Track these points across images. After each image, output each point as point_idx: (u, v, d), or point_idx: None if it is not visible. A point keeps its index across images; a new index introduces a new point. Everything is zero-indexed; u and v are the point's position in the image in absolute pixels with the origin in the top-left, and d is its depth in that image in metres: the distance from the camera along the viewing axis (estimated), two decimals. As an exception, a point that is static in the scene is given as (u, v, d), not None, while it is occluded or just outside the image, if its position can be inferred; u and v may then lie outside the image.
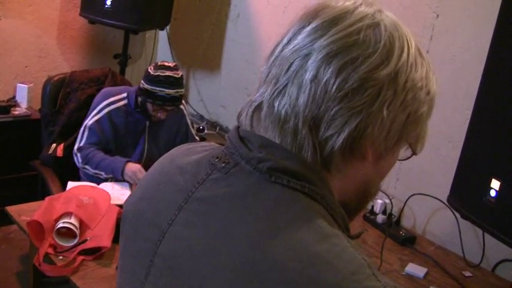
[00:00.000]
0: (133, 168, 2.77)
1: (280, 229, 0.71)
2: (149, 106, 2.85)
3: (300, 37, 0.77)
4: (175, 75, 2.80)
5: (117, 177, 2.78)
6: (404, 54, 0.76)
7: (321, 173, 0.77)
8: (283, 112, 0.76)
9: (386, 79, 0.74)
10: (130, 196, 0.96)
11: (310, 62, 0.74)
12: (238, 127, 0.84)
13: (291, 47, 0.77)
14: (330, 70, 0.73)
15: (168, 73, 2.78)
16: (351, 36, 0.74)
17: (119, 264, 0.95)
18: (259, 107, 0.80)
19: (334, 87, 0.73)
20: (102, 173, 2.82)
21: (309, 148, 0.75)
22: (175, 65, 2.84)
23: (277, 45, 0.80)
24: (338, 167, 0.77)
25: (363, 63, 0.73)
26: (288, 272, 0.68)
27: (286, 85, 0.76)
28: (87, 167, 2.84)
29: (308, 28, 0.77)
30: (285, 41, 0.79)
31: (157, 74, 2.77)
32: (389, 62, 0.74)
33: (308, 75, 0.74)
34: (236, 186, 0.77)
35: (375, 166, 0.80)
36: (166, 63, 2.82)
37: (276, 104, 0.76)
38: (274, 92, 0.77)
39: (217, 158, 0.82)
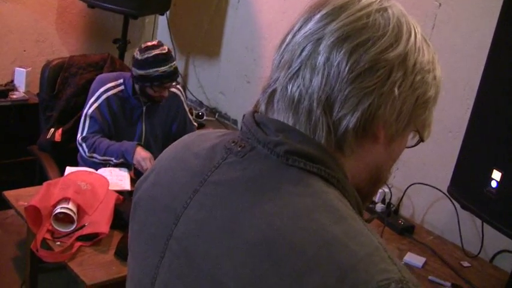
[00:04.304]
0: (143, 154, 2.75)
1: (296, 211, 0.73)
2: (149, 90, 2.83)
3: (310, 24, 0.79)
4: (163, 51, 2.78)
5: (129, 160, 2.77)
6: (412, 38, 0.79)
7: (336, 156, 0.79)
8: (296, 94, 0.78)
9: (396, 60, 0.77)
10: (141, 182, 0.96)
11: (322, 45, 0.77)
12: (253, 113, 0.85)
13: (302, 33, 0.80)
14: (341, 52, 0.76)
15: (154, 52, 2.75)
16: (360, 20, 0.77)
17: (129, 250, 0.95)
18: (274, 93, 0.81)
19: (347, 68, 0.75)
20: (112, 158, 2.80)
21: (323, 128, 0.77)
22: (159, 42, 2.82)
23: (288, 33, 0.83)
24: (351, 147, 0.79)
25: (374, 45, 0.76)
26: (304, 253, 0.69)
27: (299, 68, 0.78)
28: (94, 155, 2.83)
29: (318, 15, 0.79)
30: (295, 28, 0.82)
31: (145, 57, 2.74)
32: (398, 44, 0.77)
33: (321, 58, 0.76)
34: (252, 169, 0.79)
35: (387, 149, 0.83)
36: (149, 44, 2.80)
37: (290, 87, 0.79)
38: (287, 76, 0.79)
39: (233, 142, 0.84)
